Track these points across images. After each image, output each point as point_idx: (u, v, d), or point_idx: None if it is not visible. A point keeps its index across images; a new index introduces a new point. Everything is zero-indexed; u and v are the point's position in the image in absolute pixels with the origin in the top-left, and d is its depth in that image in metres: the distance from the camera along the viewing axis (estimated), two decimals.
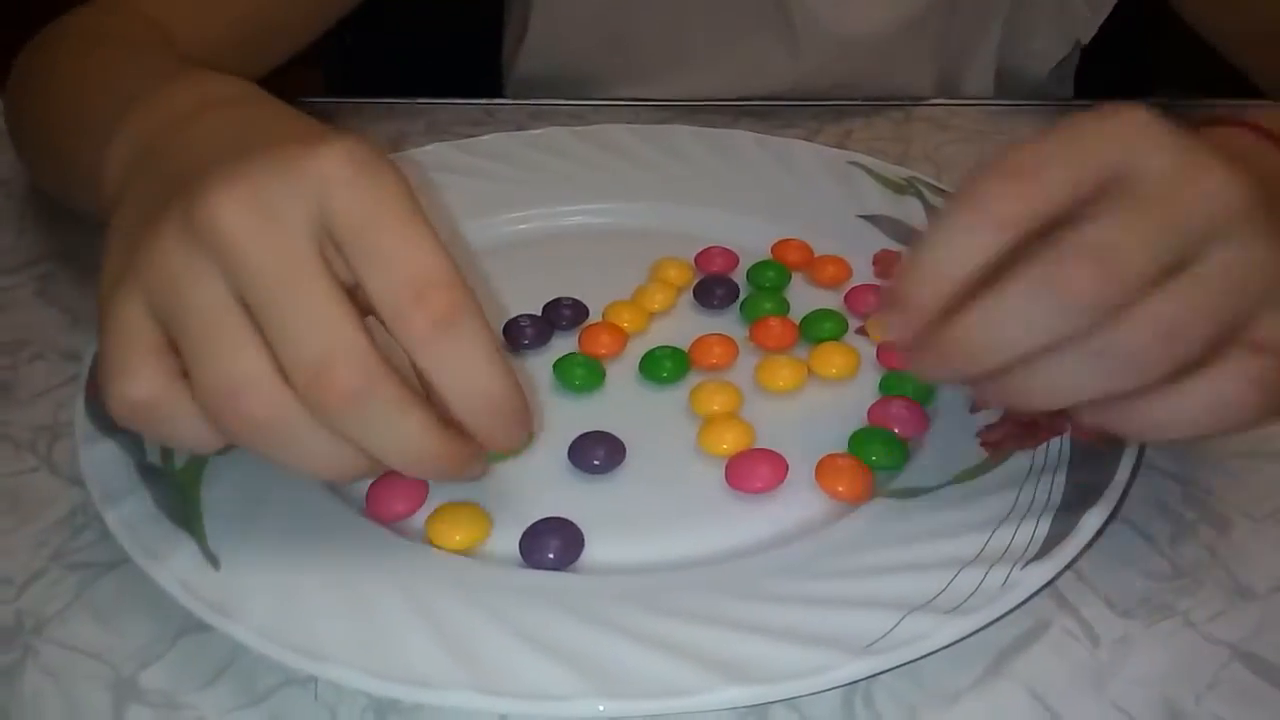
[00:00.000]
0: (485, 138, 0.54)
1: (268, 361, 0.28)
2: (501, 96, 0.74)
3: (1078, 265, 0.27)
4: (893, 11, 0.62)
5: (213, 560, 0.31)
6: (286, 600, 0.30)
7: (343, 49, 0.76)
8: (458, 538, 0.34)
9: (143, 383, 0.28)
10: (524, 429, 0.31)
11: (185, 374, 0.29)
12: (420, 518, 0.35)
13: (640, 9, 0.63)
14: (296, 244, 0.28)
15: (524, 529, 0.34)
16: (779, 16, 0.62)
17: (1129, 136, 0.29)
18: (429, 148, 0.54)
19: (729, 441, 0.38)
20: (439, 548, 0.34)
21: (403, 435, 0.29)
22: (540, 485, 0.37)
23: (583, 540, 0.34)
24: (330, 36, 0.61)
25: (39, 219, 0.54)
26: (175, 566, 0.31)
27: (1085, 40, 0.65)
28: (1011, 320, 0.28)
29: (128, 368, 0.29)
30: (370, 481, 0.35)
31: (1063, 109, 0.66)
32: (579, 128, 0.55)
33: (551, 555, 0.33)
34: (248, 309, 0.28)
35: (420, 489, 0.35)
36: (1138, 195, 0.28)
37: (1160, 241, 0.28)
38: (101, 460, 0.34)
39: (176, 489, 0.34)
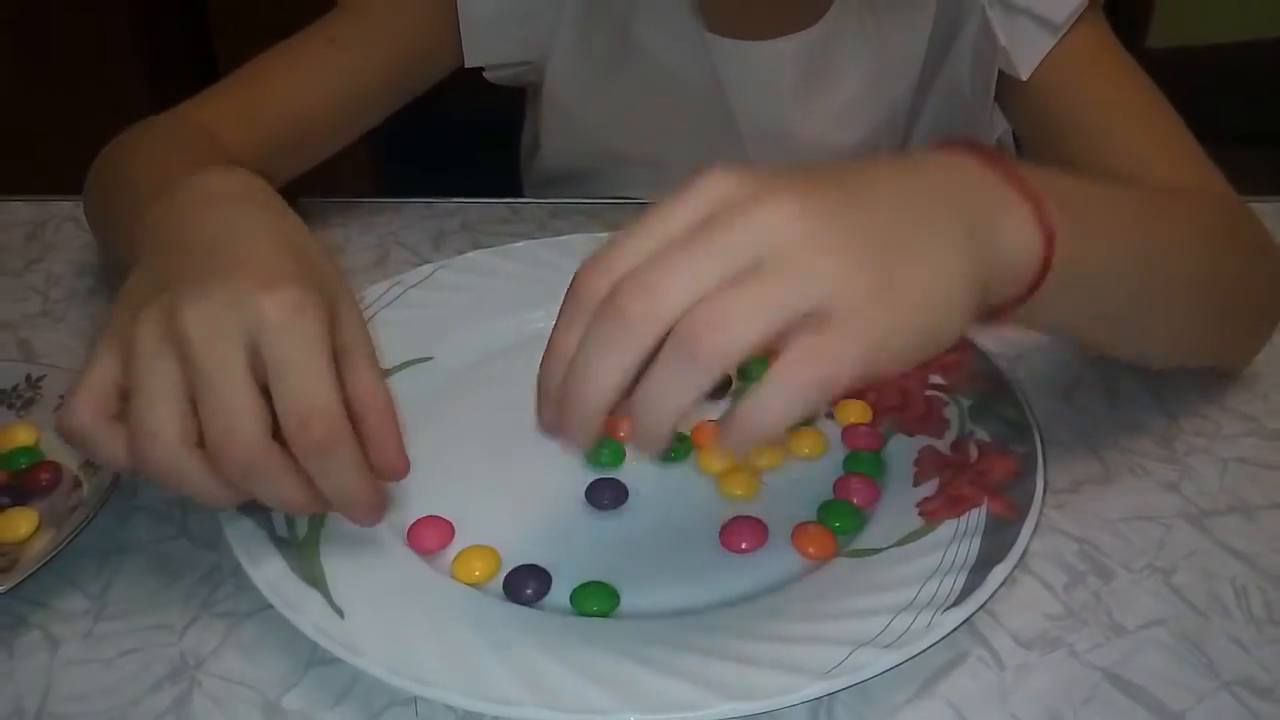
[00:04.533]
0: (516, 245, 0.65)
1: (176, 423, 0.38)
2: (521, 190, 0.85)
3: (625, 293, 0.33)
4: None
5: (339, 611, 0.41)
6: (397, 641, 0.40)
7: (388, 144, 0.86)
8: (476, 573, 0.45)
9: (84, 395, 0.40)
10: (375, 517, 0.41)
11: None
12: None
13: (624, 135, 0.74)
14: (233, 354, 0.38)
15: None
16: None
17: (712, 189, 0.35)
18: (470, 255, 0.64)
19: (741, 487, 0.49)
20: (459, 580, 0.44)
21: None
22: (590, 551, 0.47)
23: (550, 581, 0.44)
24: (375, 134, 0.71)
25: None
26: (311, 617, 0.41)
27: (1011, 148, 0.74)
28: (593, 366, 0.34)
29: (79, 388, 0.40)
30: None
31: None
32: (596, 234, 0.66)
33: (530, 592, 0.44)
34: (185, 389, 0.38)
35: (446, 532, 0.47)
36: (701, 230, 0.34)
37: (698, 264, 0.33)
38: (241, 533, 0.44)
39: (301, 556, 0.43)
